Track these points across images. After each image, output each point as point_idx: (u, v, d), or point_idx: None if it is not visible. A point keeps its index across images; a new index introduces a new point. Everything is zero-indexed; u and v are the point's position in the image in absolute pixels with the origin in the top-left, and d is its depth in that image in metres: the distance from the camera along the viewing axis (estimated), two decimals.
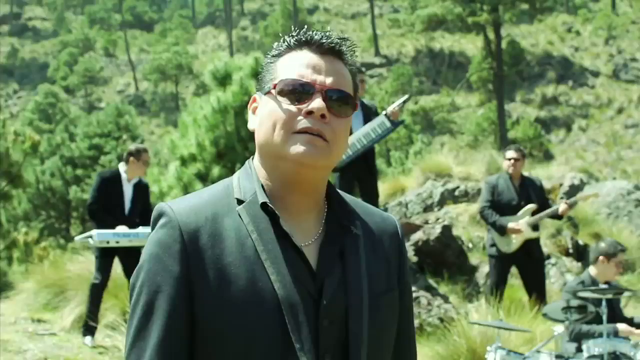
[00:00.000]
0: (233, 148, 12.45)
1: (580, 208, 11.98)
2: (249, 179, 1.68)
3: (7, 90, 65.08)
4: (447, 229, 9.79)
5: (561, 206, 7.89)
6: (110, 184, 8.03)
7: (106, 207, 7.94)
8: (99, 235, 7.54)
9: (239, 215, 1.62)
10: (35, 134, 14.14)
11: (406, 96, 8.94)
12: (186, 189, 12.11)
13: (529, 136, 43.45)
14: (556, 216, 8.14)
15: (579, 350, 5.60)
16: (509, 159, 8.17)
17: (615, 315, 6.11)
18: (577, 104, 49.84)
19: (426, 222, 10.20)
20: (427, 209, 11.78)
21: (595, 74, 52.62)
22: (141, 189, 8.21)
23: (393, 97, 46.18)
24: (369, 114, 8.57)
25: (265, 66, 1.73)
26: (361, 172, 8.56)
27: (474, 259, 10.16)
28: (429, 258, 9.55)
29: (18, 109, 59.54)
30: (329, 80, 1.65)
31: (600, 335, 5.46)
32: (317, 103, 1.61)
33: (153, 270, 1.58)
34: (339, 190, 1.77)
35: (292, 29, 1.76)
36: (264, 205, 1.61)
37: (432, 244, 9.59)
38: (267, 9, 74.31)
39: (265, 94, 1.69)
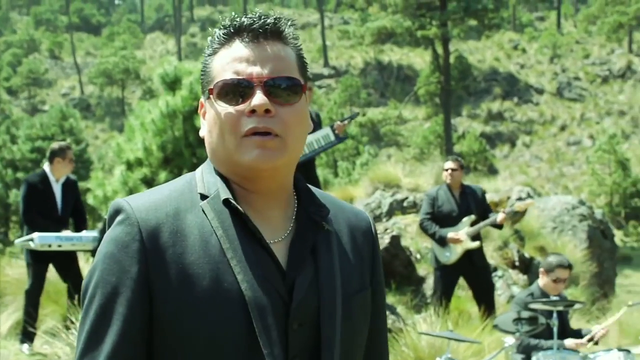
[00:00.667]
0: (181, 153, 12.27)
1: (526, 221, 12.10)
2: (213, 174, 1.57)
3: None
4: (395, 240, 9.76)
5: (499, 215, 7.89)
6: (39, 187, 7.75)
7: (40, 211, 7.67)
8: (40, 239, 7.30)
9: (203, 211, 1.50)
10: None
11: (356, 112, 8.95)
12: (131, 194, 11.90)
13: (474, 150, 44.03)
14: (496, 225, 8.15)
15: None
16: (447, 170, 8.17)
17: (564, 327, 6.14)
18: (521, 120, 50.71)
19: None
20: (376, 219, 11.75)
21: (540, 92, 53.65)
22: (70, 186, 7.94)
23: (341, 108, 46.40)
24: (314, 124, 8.52)
25: (203, 68, 1.60)
26: None
27: (421, 269, 10.16)
28: None
29: None
30: (267, 70, 1.52)
31: (549, 348, 5.46)
32: (257, 99, 1.48)
33: (108, 271, 1.45)
34: (310, 186, 1.66)
35: (222, 20, 1.60)
36: (227, 202, 1.50)
37: (381, 254, 9.54)
38: (217, 16, 73.97)
39: (207, 99, 1.57)
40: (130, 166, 12.64)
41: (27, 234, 7.53)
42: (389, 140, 50.38)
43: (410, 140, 48.69)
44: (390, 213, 11.79)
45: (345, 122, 8.54)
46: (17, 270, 9.71)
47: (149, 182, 12.14)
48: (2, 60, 65.72)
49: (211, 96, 1.54)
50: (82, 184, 17.69)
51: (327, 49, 61.44)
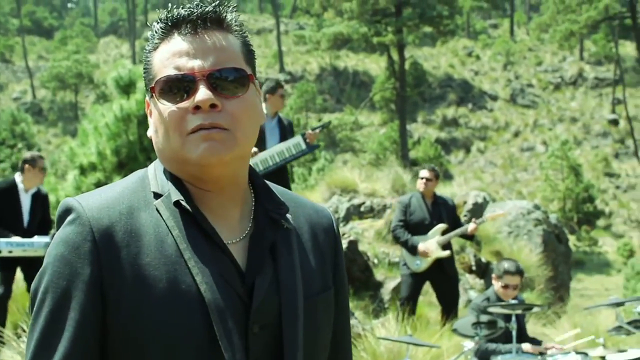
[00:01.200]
0: (135, 158, 12.12)
1: (482, 226, 12.16)
2: (165, 172, 1.49)
3: None
4: (353, 244, 9.73)
5: (470, 225, 7.96)
6: (6, 195, 7.56)
7: (3, 220, 7.48)
8: None
9: (157, 210, 1.42)
10: None
11: (327, 121, 8.94)
12: None
13: (430, 156, 44.30)
14: (467, 236, 8.20)
15: None
16: (422, 178, 8.20)
17: (521, 331, 6.17)
18: (476, 127, 51.22)
19: None
20: None
21: (494, 98, 54.25)
22: (40, 199, 7.77)
23: (297, 113, 46.34)
24: (286, 131, 8.49)
25: (145, 64, 1.51)
26: None
27: (379, 274, 10.14)
28: None
29: None
30: (209, 62, 1.43)
31: (508, 352, 5.47)
32: (201, 94, 1.40)
33: (59, 274, 1.36)
34: (268, 182, 1.59)
35: (160, 13, 1.51)
36: (178, 204, 1.42)
37: (343, 250, 9.50)
38: None
39: (151, 97, 1.49)
40: (83, 171, 12.46)
41: None
42: (344, 146, 50.46)
43: (366, 145, 48.85)
44: (347, 218, 11.77)
45: (317, 130, 8.54)
46: None
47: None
48: None
49: (154, 94, 1.46)
50: None
51: (283, 55, 61.40)
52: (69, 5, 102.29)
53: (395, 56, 45.44)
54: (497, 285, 6.37)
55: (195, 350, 1.35)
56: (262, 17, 75.47)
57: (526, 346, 5.94)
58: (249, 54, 1.52)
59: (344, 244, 9.64)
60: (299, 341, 1.43)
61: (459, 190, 20.44)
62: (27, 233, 7.52)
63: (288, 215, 1.53)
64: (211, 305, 1.35)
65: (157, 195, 1.45)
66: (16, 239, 7.36)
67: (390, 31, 43.22)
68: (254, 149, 8.04)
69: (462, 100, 53.58)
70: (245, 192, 1.53)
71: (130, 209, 1.41)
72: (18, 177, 7.71)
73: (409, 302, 7.99)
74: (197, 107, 1.41)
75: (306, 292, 1.48)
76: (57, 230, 1.42)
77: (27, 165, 7.65)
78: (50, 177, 17.27)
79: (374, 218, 11.65)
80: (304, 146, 8.34)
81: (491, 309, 5.58)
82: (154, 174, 1.49)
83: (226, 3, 1.51)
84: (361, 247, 10.30)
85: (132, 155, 12.09)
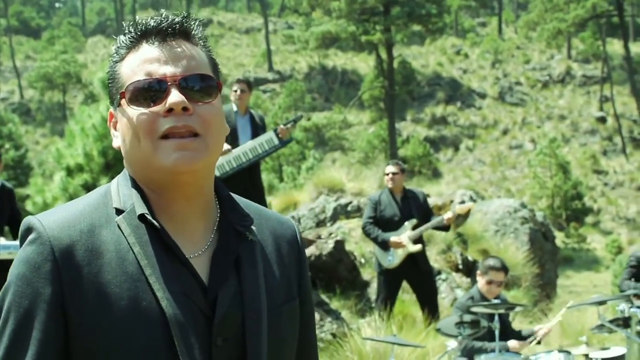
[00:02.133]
0: (122, 159, 12.08)
1: (469, 225, 12.22)
2: (128, 185, 1.49)
3: None
4: (339, 244, 9.74)
5: (445, 215, 7.90)
6: None
7: None
8: None
9: (119, 226, 1.43)
10: None
11: (299, 115, 8.93)
12: (72, 200, 11.70)
13: (419, 154, 44.42)
14: (443, 227, 8.16)
15: None
16: (387, 174, 8.19)
17: (506, 329, 6.20)
18: (464, 125, 51.34)
19: (319, 237, 10.13)
20: (320, 224, 11.73)
21: (482, 96, 54.38)
22: (5, 193, 7.78)
23: (286, 112, 46.35)
24: (257, 127, 8.51)
25: (111, 75, 1.53)
26: (246, 184, 8.44)
27: (366, 274, 10.16)
28: (321, 273, 9.48)
29: None
30: (179, 68, 1.46)
31: (492, 350, 5.50)
32: (173, 97, 1.42)
33: (20, 294, 1.37)
34: (233, 194, 1.61)
35: (125, 25, 1.53)
36: (142, 217, 1.43)
37: (325, 258, 9.52)
38: None
39: (119, 106, 1.50)
40: (70, 172, 12.44)
41: None
42: (333, 144, 50.49)
43: (355, 144, 48.91)
44: (334, 218, 11.78)
45: (289, 125, 8.54)
46: None
47: (90, 188, 11.93)
48: None
49: (123, 101, 1.47)
50: (21, 191, 17.32)
51: (272, 54, 61.36)
52: (57, 4, 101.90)
53: (383, 55, 45.51)
54: (481, 281, 6.40)
55: None
56: (251, 16, 75.41)
57: (512, 343, 5.96)
58: (214, 67, 1.55)
59: (331, 243, 9.66)
60: (262, 352, 1.44)
61: (447, 189, 20.51)
62: None
63: (252, 227, 1.54)
64: (172, 321, 1.36)
65: (119, 212, 1.45)
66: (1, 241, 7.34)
67: (378, 30, 43.29)
68: (227, 146, 8.05)
69: (450, 99, 53.68)
70: (210, 204, 1.54)
71: (92, 227, 1.42)
72: None
73: (386, 301, 7.98)
74: (169, 110, 1.42)
75: (270, 304, 1.49)
76: (20, 248, 1.43)
77: None
78: (37, 178, 17.21)
79: (360, 217, 11.66)
80: (276, 141, 8.36)
81: (474, 309, 5.61)
82: (116, 190, 1.49)
83: (192, 17, 1.54)
84: (348, 247, 10.32)
85: (119, 156, 12.00)
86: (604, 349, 5.77)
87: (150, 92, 1.44)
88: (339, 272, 9.62)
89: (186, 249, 1.45)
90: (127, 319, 1.36)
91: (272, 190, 20.68)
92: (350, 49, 57.83)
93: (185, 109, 1.43)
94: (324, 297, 9.05)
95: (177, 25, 1.49)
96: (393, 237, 7.90)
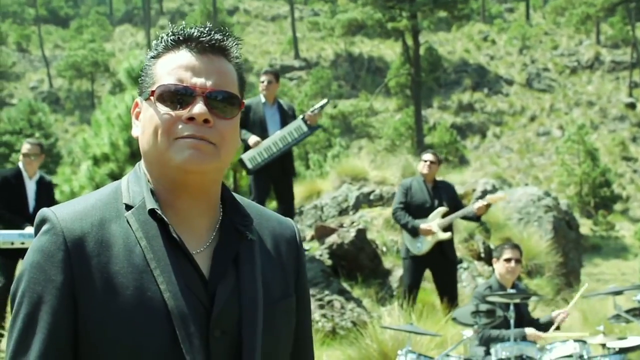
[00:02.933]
0: None
1: (492, 213, 12.20)
2: (139, 182, 1.59)
3: None
4: (361, 233, 9.81)
5: (476, 204, 7.93)
6: (12, 183, 7.80)
7: (10, 206, 7.71)
8: (2, 236, 7.27)
9: (127, 221, 1.53)
10: None
11: (324, 101, 8.95)
12: (98, 189, 11.85)
13: (445, 142, 44.25)
14: (474, 217, 8.20)
15: (488, 353, 5.68)
16: (425, 161, 8.24)
17: (523, 318, 6.22)
18: (491, 111, 51.01)
19: (341, 226, 10.21)
20: (343, 212, 11.79)
21: (510, 83, 53.97)
22: (44, 185, 8.02)
23: (312, 100, 46.37)
24: (286, 116, 8.59)
25: (144, 69, 1.63)
26: (277, 174, 8.55)
27: (387, 262, 10.21)
28: (343, 261, 9.56)
29: None
30: (210, 82, 1.56)
31: (509, 339, 5.54)
32: (198, 108, 1.53)
33: (34, 280, 1.48)
34: (236, 194, 1.70)
35: (171, 27, 1.63)
36: (152, 212, 1.53)
37: (347, 247, 9.60)
38: (187, 8, 73.52)
39: (146, 99, 1.60)
40: (96, 161, 12.58)
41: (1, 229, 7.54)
42: (360, 132, 50.45)
43: (381, 132, 48.83)
44: (357, 206, 11.84)
45: (316, 111, 8.59)
46: None
47: (116, 177, 12.09)
48: None
49: (151, 97, 1.57)
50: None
51: (298, 41, 61.33)
52: None
53: (410, 41, 45.33)
54: (499, 265, 6.39)
55: (159, 353, 1.45)
56: (277, 4, 75.36)
57: (529, 330, 5.98)
58: (242, 84, 1.66)
59: (352, 232, 9.73)
60: (257, 345, 1.53)
61: (473, 177, 20.41)
62: (32, 219, 7.70)
63: (252, 227, 1.63)
64: (174, 312, 1.46)
65: (128, 207, 1.55)
66: (28, 229, 7.51)
67: (404, 16, 43.11)
68: (256, 138, 8.15)
69: (477, 85, 53.35)
70: (214, 204, 1.63)
71: (102, 221, 1.52)
72: (22, 165, 7.96)
73: (411, 289, 8.04)
74: (190, 118, 1.53)
75: (266, 300, 1.58)
76: (35, 238, 1.53)
77: (20, 154, 7.98)
78: (64, 167, 17.45)
79: (383, 206, 11.72)
80: (305, 128, 8.44)
81: (490, 298, 5.65)
82: (127, 186, 1.59)
83: (232, 35, 1.64)
84: (370, 236, 10.38)
85: None
86: (621, 338, 5.78)
87: (177, 96, 1.54)
88: (360, 260, 9.70)
89: (190, 244, 1.55)
90: (132, 307, 1.46)
91: (298, 177, 20.73)
92: (376, 35, 57.75)
93: (206, 120, 1.53)
94: (345, 285, 9.13)
95: (217, 41, 1.60)
96: (423, 225, 7.95)
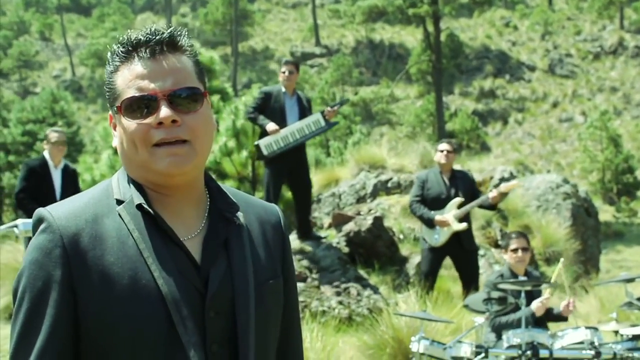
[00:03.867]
0: None
1: (510, 200, 12.21)
2: (127, 179, 1.68)
3: None
4: (378, 220, 9.86)
5: (491, 194, 7.96)
6: (38, 172, 7.94)
7: (36, 195, 7.84)
8: (24, 225, 7.42)
9: (120, 215, 1.62)
10: None
11: (345, 99, 9.11)
12: None
13: (467, 128, 44.12)
14: (489, 206, 8.22)
15: (499, 340, 5.74)
16: (442, 151, 8.24)
17: None
18: (513, 98, 50.74)
19: (358, 213, 10.27)
20: (360, 200, 11.85)
21: (532, 69, 53.61)
22: (69, 174, 8.16)
23: (333, 87, 46.40)
24: (305, 109, 8.70)
25: (107, 84, 1.70)
26: (292, 164, 8.64)
27: (404, 250, 10.26)
28: (360, 249, 9.62)
29: None
30: (168, 83, 1.63)
31: (519, 324, 5.57)
32: (163, 112, 1.60)
33: (34, 276, 1.57)
34: (222, 184, 1.79)
35: (118, 38, 1.70)
36: (140, 206, 1.62)
37: (364, 234, 9.66)
38: None
39: (116, 113, 1.68)
40: (117, 150, 12.70)
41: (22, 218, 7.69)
42: (381, 119, 50.40)
43: (402, 118, 48.73)
44: (374, 194, 11.88)
45: (335, 107, 8.83)
46: (6, 256, 9.80)
47: None
48: None
49: (119, 112, 1.65)
50: None
51: (319, 28, 61.24)
52: None
53: (431, 28, 45.07)
54: (507, 255, 6.41)
55: (157, 337, 1.55)
56: None
57: (535, 304, 6.00)
58: (200, 73, 1.73)
59: (369, 220, 9.79)
60: (250, 323, 1.63)
61: (494, 163, 20.39)
62: None
63: (239, 214, 1.72)
64: (167, 297, 1.55)
65: (119, 202, 1.64)
66: None
67: (425, 2, 42.85)
68: (275, 127, 8.26)
69: (499, 72, 53.05)
70: (201, 194, 1.73)
71: (95, 216, 1.62)
72: (47, 154, 8.08)
73: (428, 276, 8.11)
74: (160, 123, 1.61)
75: (256, 280, 1.68)
76: (32, 237, 1.62)
77: (44, 142, 8.10)
78: (86, 156, 17.64)
79: (400, 194, 11.75)
80: (323, 123, 8.59)
81: (502, 286, 5.69)
82: (117, 183, 1.69)
83: (178, 29, 1.71)
84: (387, 223, 10.42)
85: None
86: (634, 325, 5.80)
87: (142, 106, 1.63)
88: (377, 248, 9.75)
89: (180, 232, 1.64)
90: (128, 295, 1.55)
91: (318, 165, 20.80)
92: (397, 22, 57.44)
93: (174, 121, 1.61)
94: (362, 272, 9.20)
95: (165, 40, 1.67)
96: (438, 217, 7.99)
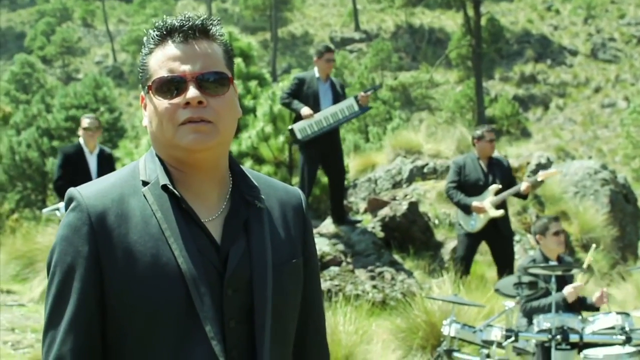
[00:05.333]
0: None
1: (547, 186, 12.16)
2: (154, 161, 1.78)
3: None
4: (413, 205, 9.91)
5: (523, 184, 8.01)
6: (74, 158, 8.10)
7: (74, 181, 8.00)
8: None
9: (144, 196, 1.72)
10: (7, 105, 14.07)
11: (379, 84, 9.15)
12: None
13: (507, 114, 43.73)
14: (520, 195, 8.25)
15: (531, 325, 5.77)
16: (491, 140, 8.22)
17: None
18: (554, 83, 50.15)
19: (393, 199, 10.33)
20: (396, 185, 11.90)
21: (574, 53, 52.90)
22: (105, 158, 8.30)
23: (372, 72, 46.23)
24: (338, 94, 8.78)
25: (141, 66, 1.82)
26: (326, 148, 8.73)
27: (439, 235, 10.30)
28: (395, 233, 9.69)
29: None
30: (197, 66, 1.73)
31: (550, 307, 5.59)
32: (191, 93, 1.70)
33: (64, 251, 1.68)
34: (244, 168, 1.87)
35: (155, 23, 1.80)
36: (165, 187, 1.71)
37: (399, 219, 9.72)
38: None
39: (147, 93, 1.78)
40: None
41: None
42: (420, 104, 50.18)
43: (442, 104, 48.46)
44: (410, 179, 11.93)
45: (369, 93, 8.91)
46: (49, 238, 10.05)
47: None
48: (36, 29, 66.28)
49: (150, 92, 1.76)
50: (115, 152, 17.97)
51: (358, 13, 61.05)
52: None
53: (471, 12, 44.67)
54: (547, 242, 6.34)
55: (176, 311, 1.65)
56: None
57: (567, 289, 6.01)
58: (229, 60, 1.82)
59: (405, 205, 9.84)
60: (267, 302, 1.71)
61: (534, 149, 20.24)
62: None
63: (260, 196, 1.81)
64: (187, 275, 1.65)
65: (145, 184, 1.74)
66: None
67: None
68: (309, 111, 8.36)
69: (540, 56, 52.44)
70: (224, 176, 1.82)
71: (122, 196, 1.71)
72: (82, 140, 8.25)
73: (463, 261, 8.14)
74: (187, 103, 1.71)
75: (275, 261, 1.76)
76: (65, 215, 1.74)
77: (79, 128, 8.27)
78: (126, 141, 17.89)
79: (436, 179, 11.77)
80: (356, 108, 8.67)
81: (533, 270, 5.72)
82: (144, 165, 1.78)
83: (212, 17, 1.80)
84: (422, 208, 10.47)
85: None
86: None
87: (171, 86, 1.72)
88: (412, 233, 9.81)
89: (202, 214, 1.73)
90: (150, 272, 1.65)
91: (357, 150, 20.84)
92: (437, 6, 57.11)
93: (200, 102, 1.71)
94: (397, 257, 9.27)
95: (197, 26, 1.77)
96: (475, 203, 8.01)
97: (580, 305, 6.20)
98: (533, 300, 5.94)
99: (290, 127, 8.64)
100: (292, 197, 1.92)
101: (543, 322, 5.45)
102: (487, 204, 7.99)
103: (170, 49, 1.75)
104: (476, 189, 8.13)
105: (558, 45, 53.77)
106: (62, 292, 1.67)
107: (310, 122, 8.44)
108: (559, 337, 5.30)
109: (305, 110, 8.41)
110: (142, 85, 1.82)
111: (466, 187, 8.18)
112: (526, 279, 5.60)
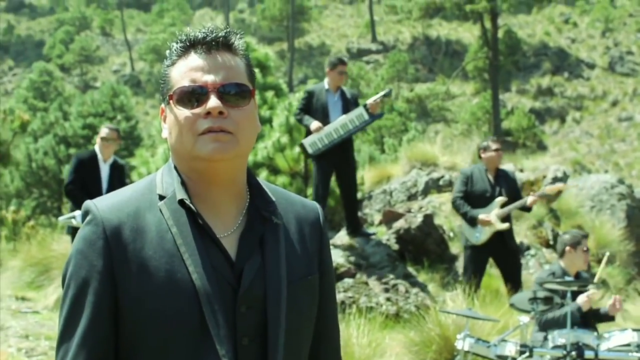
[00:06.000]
0: None
1: (563, 200, 12.10)
2: (171, 175, 1.77)
3: (2, 67, 64.89)
4: (428, 218, 9.89)
5: (529, 198, 7.97)
6: (87, 164, 8.15)
7: (84, 188, 8.05)
8: (81, 217, 7.61)
9: (160, 210, 1.71)
10: (25, 113, 14.19)
11: (387, 90, 9.10)
12: None
13: (523, 126, 43.55)
14: (525, 208, 8.21)
15: (546, 340, 5.73)
16: (497, 150, 8.18)
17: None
18: (571, 96, 49.94)
19: (409, 211, 10.31)
20: (411, 197, 11.87)
21: (591, 66, 52.69)
22: (117, 169, 8.34)
23: (389, 83, 46.25)
24: (349, 104, 8.75)
25: (163, 77, 1.81)
26: (338, 161, 8.71)
27: (454, 248, 10.27)
28: (410, 246, 9.66)
29: (12, 86, 59.40)
30: (219, 77, 1.72)
31: (565, 318, 5.53)
32: (212, 103, 1.69)
33: (79, 265, 1.68)
34: (262, 181, 1.86)
35: (178, 34, 1.81)
36: (181, 202, 1.70)
37: (414, 232, 9.70)
38: None
39: (168, 104, 1.78)
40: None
41: (72, 211, 7.89)
42: (436, 116, 50.10)
43: (458, 116, 48.36)
44: (425, 192, 11.90)
45: (378, 100, 8.75)
46: (64, 245, 10.10)
47: None
48: (54, 37, 66.78)
49: (171, 102, 1.75)
50: (132, 161, 18.03)
51: (375, 24, 61.12)
52: None
53: (488, 24, 44.65)
54: (571, 256, 6.26)
55: (189, 328, 1.64)
56: None
57: (581, 299, 5.96)
58: (251, 74, 1.82)
59: (420, 217, 9.82)
60: (281, 319, 1.70)
61: (550, 162, 20.13)
62: None
63: (277, 212, 1.79)
64: (200, 291, 1.64)
65: (161, 198, 1.73)
66: None
67: None
68: (318, 124, 8.34)
69: (557, 69, 52.26)
70: (241, 190, 1.80)
71: (137, 210, 1.71)
72: (97, 148, 8.30)
73: (473, 276, 8.08)
74: (208, 113, 1.70)
75: (290, 278, 1.75)
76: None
77: (97, 138, 8.30)
78: (142, 150, 17.96)
79: (452, 192, 11.74)
80: (366, 116, 8.60)
81: (549, 285, 5.68)
82: (160, 179, 1.78)
83: (234, 30, 1.81)
84: (437, 221, 10.44)
85: None
86: None
87: (193, 96, 1.72)
88: (427, 245, 9.78)
89: (217, 229, 1.72)
90: (164, 288, 1.64)
91: (372, 161, 20.83)
92: (454, 18, 57.10)
93: (221, 112, 1.70)
94: (411, 269, 9.24)
95: (220, 39, 1.77)
96: (481, 215, 7.97)
97: (594, 316, 6.16)
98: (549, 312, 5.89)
99: (300, 142, 8.64)
100: (309, 211, 1.90)
101: (558, 337, 5.42)
102: (493, 216, 7.95)
103: (193, 60, 1.75)
104: (482, 201, 8.10)
105: (575, 58, 53.59)
106: (76, 306, 1.67)
107: (320, 136, 8.42)
108: (573, 353, 5.27)
109: (313, 125, 8.41)
110: (162, 97, 1.82)
111: (472, 197, 8.13)
112: (542, 294, 5.57)
